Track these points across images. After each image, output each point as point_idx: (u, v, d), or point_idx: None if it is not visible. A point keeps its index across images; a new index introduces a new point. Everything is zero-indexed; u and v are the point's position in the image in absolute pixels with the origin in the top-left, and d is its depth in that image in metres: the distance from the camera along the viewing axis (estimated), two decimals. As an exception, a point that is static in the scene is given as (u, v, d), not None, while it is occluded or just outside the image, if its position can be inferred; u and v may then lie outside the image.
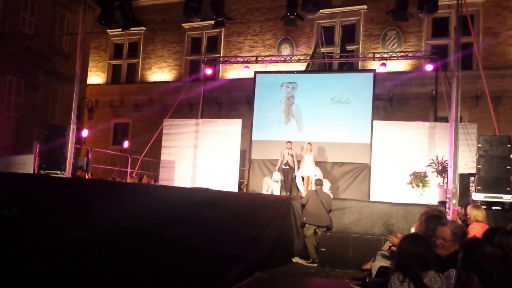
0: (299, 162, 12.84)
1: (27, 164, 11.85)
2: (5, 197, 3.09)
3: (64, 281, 3.49)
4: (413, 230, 6.52)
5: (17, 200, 3.19)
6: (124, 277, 4.13)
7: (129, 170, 14.96)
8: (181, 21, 19.94)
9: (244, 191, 13.77)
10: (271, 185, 12.44)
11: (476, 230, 5.61)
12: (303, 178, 12.57)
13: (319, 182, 10.49)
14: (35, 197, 3.41)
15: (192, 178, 13.75)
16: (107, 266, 3.91)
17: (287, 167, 12.81)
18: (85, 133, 16.47)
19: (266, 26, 19.61)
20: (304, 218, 10.03)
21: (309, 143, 12.61)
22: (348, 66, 17.27)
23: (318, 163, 12.78)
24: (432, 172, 11.50)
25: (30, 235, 3.25)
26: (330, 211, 10.03)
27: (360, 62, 17.47)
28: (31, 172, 11.33)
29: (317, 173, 12.42)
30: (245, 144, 14.58)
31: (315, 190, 10.26)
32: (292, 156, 12.81)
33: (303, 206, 10.17)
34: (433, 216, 4.99)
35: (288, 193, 12.54)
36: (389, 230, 9.40)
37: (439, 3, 11.11)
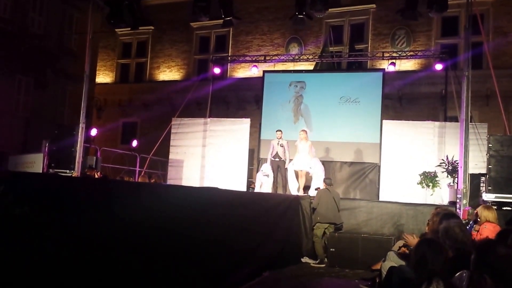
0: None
1: (36, 163, 11.92)
2: (17, 196, 3.10)
3: (73, 278, 3.51)
4: None
5: (28, 199, 3.21)
6: (133, 274, 4.14)
7: (137, 169, 15.01)
8: (190, 20, 19.90)
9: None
10: (263, 180, 11.69)
11: (488, 230, 5.57)
12: (296, 173, 11.78)
13: (329, 182, 10.18)
14: (46, 196, 3.42)
15: (201, 177, 13.76)
16: (117, 263, 3.92)
17: (277, 159, 11.97)
18: (93, 132, 16.51)
19: (274, 25, 19.58)
20: (318, 218, 9.66)
21: (304, 130, 11.80)
22: (357, 65, 17.19)
23: (326, 163, 12.60)
24: (442, 172, 11.41)
25: (40, 233, 3.27)
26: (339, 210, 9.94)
27: (369, 61, 17.39)
28: (40, 171, 11.39)
29: (315, 166, 11.61)
30: (253, 143, 14.56)
31: (326, 188, 9.95)
32: (282, 146, 11.94)
33: (314, 209, 9.83)
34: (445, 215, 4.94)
35: (284, 190, 11.99)
36: (399, 230, 9.35)
37: (448, 2, 11.02)
